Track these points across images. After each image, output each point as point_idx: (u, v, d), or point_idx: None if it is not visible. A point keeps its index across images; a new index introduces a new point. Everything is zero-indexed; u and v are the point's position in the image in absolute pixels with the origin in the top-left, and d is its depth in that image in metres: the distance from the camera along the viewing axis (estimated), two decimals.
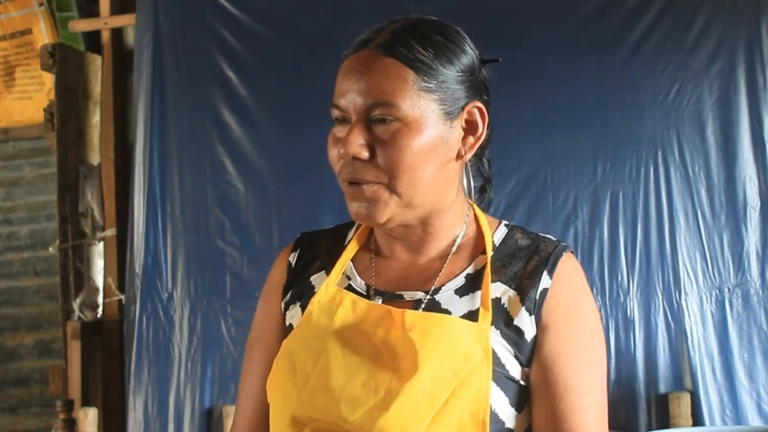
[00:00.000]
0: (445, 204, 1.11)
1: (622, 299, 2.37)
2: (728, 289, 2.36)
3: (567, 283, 1.08)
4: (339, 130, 1.09)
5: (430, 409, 0.99)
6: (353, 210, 1.08)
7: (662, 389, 2.34)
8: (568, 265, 1.10)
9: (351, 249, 1.18)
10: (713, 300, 2.36)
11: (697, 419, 2.29)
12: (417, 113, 1.05)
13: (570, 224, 2.42)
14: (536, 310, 1.06)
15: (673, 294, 2.36)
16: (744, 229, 2.37)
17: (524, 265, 1.10)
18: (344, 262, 1.17)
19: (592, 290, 1.13)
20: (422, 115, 1.05)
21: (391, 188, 1.05)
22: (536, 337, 1.06)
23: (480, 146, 1.12)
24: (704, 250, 2.37)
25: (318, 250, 1.21)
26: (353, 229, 1.22)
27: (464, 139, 1.10)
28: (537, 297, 1.07)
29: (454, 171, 1.11)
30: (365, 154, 1.05)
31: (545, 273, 1.08)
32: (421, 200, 1.07)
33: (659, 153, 2.41)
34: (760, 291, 2.34)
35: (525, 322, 1.06)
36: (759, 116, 2.38)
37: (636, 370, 2.35)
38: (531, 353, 1.06)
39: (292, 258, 1.22)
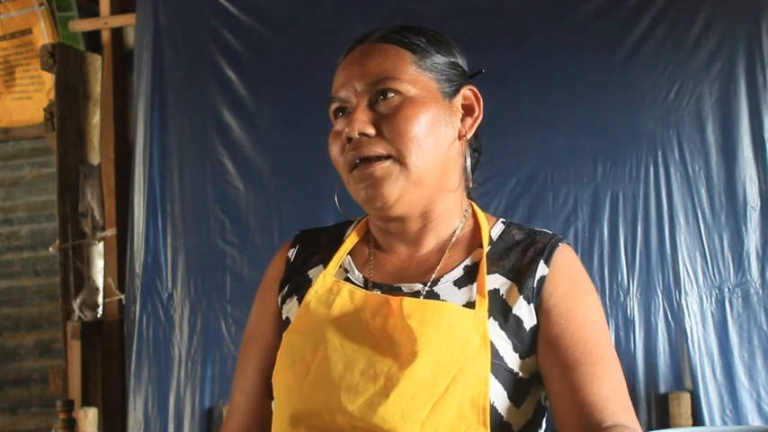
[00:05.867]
0: (449, 186, 1.12)
1: (622, 299, 2.37)
2: (728, 289, 2.35)
3: (564, 270, 1.09)
4: (339, 124, 1.11)
5: (430, 395, 0.99)
6: (361, 192, 1.07)
7: (662, 389, 2.34)
8: (565, 254, 1.11)
9: (350, 242, 1.18)
10: (713, 300, 2.36)
11: (697, 419, 2.28)
12: (418, 89, 1.08)
13: (570, 224, 2.42)
14: (534, 298, 1.06)
15: (673, 294, 2.36)
16: (744, 229, 2.36)
17: (521, 256, 1.10)
18: (343, 254, 1.17)
19: None
20: (422, 91, 1.08)
21: (401, 161, 1.06)
22: (537, 326, 1.06)
23: (475, 132, 1.15)
24: (704, 250, 2.37)
25: (317, 246, 1.21)
26: (353, 225, 1.22)
27: (463, 119, 1.13)
28: (534, 285, 1.07)
29: (457, 152, 1.13)
30: (371, 130, 1.06)
31: (541, 262, 1.08)
32: (428, 175, 1.08)
33: (659, 153, 2.40)
34: (760, 291, 2.34)
35: (524, 311, 1.06)
36: (759, 116, 2.38)
37: (636, 370, 2.34)
38: (530, 343, 1.06)
39: (291, 254, 1.22)
